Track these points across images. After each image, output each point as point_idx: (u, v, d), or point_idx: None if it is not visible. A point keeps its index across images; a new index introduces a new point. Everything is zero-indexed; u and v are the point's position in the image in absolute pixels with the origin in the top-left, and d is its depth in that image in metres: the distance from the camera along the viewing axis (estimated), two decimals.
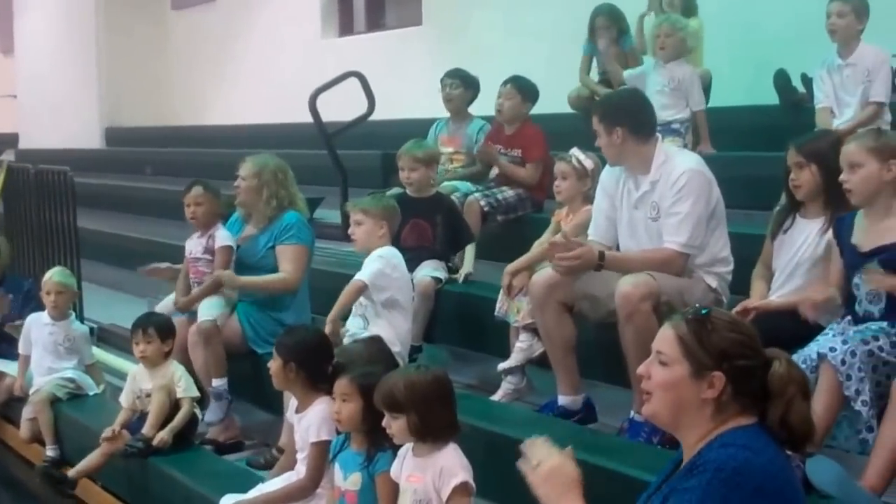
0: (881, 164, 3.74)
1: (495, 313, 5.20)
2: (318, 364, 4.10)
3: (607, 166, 4.83)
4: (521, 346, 5.02)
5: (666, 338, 2.60)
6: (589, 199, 5.08)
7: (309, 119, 8.15)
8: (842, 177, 3.82)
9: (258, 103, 12.41)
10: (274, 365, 4.19)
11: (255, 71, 12.82)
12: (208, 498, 4.46)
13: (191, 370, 5.32)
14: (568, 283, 4.55)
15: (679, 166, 4.48)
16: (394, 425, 3.41)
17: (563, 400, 4.65)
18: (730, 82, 7.15)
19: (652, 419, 2.69)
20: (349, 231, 5.12)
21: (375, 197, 5.26)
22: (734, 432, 2.52)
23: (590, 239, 4.72)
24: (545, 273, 4.66)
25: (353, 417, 3.73)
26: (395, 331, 4.95)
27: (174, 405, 5.12)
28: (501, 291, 5.18)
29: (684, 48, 6.54)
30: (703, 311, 2.61)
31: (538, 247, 5.25)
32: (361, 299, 4.95)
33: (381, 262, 4.94)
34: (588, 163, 5.17)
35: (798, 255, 4.19)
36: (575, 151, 5.23)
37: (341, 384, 3.75)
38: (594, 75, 7.76)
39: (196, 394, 5.17)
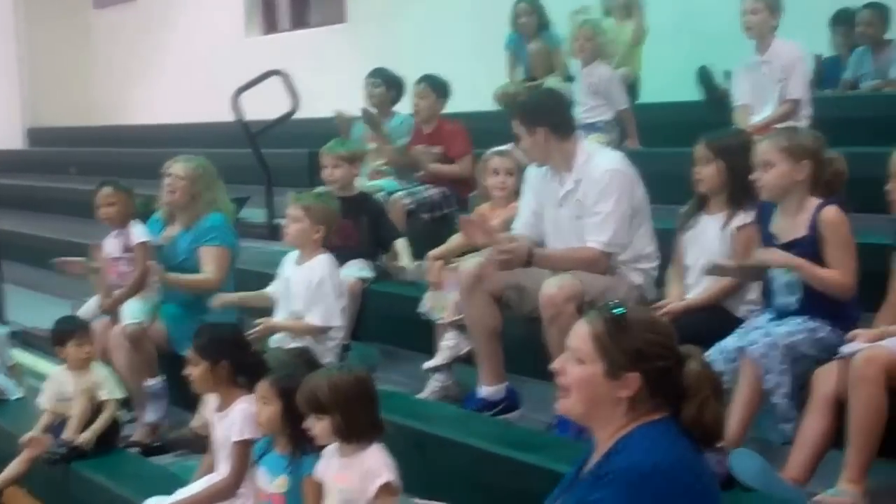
0: (793, 164, 3.79)
1: (420, 310, 5.20)
2: (243, 359, 4.07)
3: (532, 164, 4.86)
4: (448, 345, 5.02)
5: (581, 335, 2.59)
6: (515, 195, 5.11)
7: (230, 117, 8.09)
8: (754, 174, 3.87)
9: (183, 102, 12.29)
10: (198, 369, 4.11)
11: (179, 70, 12.69)
12: (132, 501, 4.39)
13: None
14: (496, 272, 4.57)
15: (601, 165, 4.53)
16: (317, 427, 3.38)
17: (484, 391, 4.66)
18: (663, 79, 7.24)
19: (567, 414, 2.68)
20: (284, 226, 5.05)
21: (320, 196, 5.21)
22: (644, 429, 2.52)
23: (514, 233, 4.74)
24: (473, 262, 4.69)
25: (272, 420, 3.69)
26: (333, 341, 4.95)
27: (97, 409, 5.03)
28: (428, 289, 5.18)
29: (603, 51, 6.61)
30: (619, 311, 2.59)
31: (459, 238, 5.26)
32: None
33: (331, 297, 4.90)
34: (524, 160, 5.17)
35: (705, 252, 4.25)
36: (514, 147, 5.24)
37: (262, 387, 3.72)
38: (520, 73, 7.82)
39: (120, 395, 5.09)
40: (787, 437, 3.63)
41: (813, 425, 3.50)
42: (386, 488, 3.34)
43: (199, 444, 4.61)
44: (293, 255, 5.07)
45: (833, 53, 7.17)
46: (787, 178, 3.80)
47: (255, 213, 7.99)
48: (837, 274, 3.70)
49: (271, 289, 5.12)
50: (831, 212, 3.76)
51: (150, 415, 5.38)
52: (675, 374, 2.54)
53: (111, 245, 5.59)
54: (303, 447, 3.62)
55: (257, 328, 4.85)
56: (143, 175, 7.41)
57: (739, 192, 4.16)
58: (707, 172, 4.22)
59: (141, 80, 13.31)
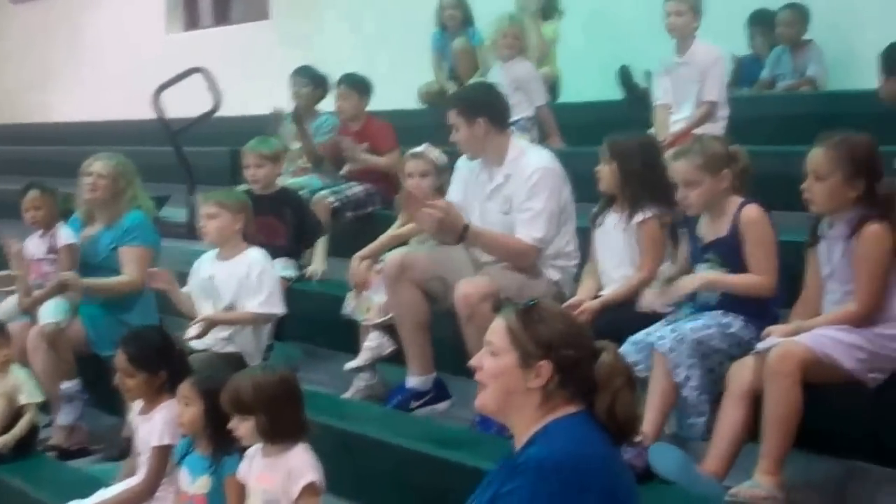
0: (714, 176, 3.86)
1: (343, 311, 5.19)
2: (175, 366, 4.04)
3: (463, 156, 4.87)
4: (371, 345, 5.02)
5: (496, 329, 2.64)
6: (442, 193, 5.12)
7: (151, 115, 7.99)
8: (680, 193, 3.94)
9: (101, 99, 12.09)
10: (135, 380, 4.05)
11: (97, 66, 12.48)
12: None
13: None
14: (421, 262, 4.62)
15: (532, 162, 4.58)
16: (241, 427, 3.36)
17: (412, 381, 4.67)
18: (583, 79, 7.30)
19: (483, 410, 2.71)
20: (201, 225, 5.00)
21: (229, 191, 5.19)
22: (559, 422, 2.54)
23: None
24: (400, 251, 4.74)
25: (194, 421, 3.67)
26: (258, 342, 4.92)
27: (16, 413, 4.94)
28: (351, 290, 5.17)
29: (526, 49, 6.63)
30: (531, 302, 2.66)
31: (385, 237, 5.28)
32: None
33: (274, 284, 4.88)
34: (443, 158, 5.21)
35: (613, 248, 4.36)
36: (428, 148, 5.26)
37: (184, 388, 3.70)
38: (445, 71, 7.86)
39: (40, 399, 5.00)
40: (699, 432, 3.69)
41: (729, 418, 3.56)
42: (310, 489, 3.32)
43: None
44: (210, 254, 5.02)
45: (751, 53, 7.27)
46: (712, 192, 3.88)
47: (175, 213, 7.89)
48: (757, 277, 3.77)
49: (186, 289, 5.06)
50: (752, 211, 3.83)
51: (65, 417, 5.30)
52: (587, 366, 2.56)
53: (35, 246, 5.52)
54: (225, 448, 3.60)
55: (196, 324, 4.75)
56: (61, 173, 7.27)
57: (636, 191, 4.29)
58: (604, 172, 4.35)
59: (59, 77, 13.06)
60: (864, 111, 5.42)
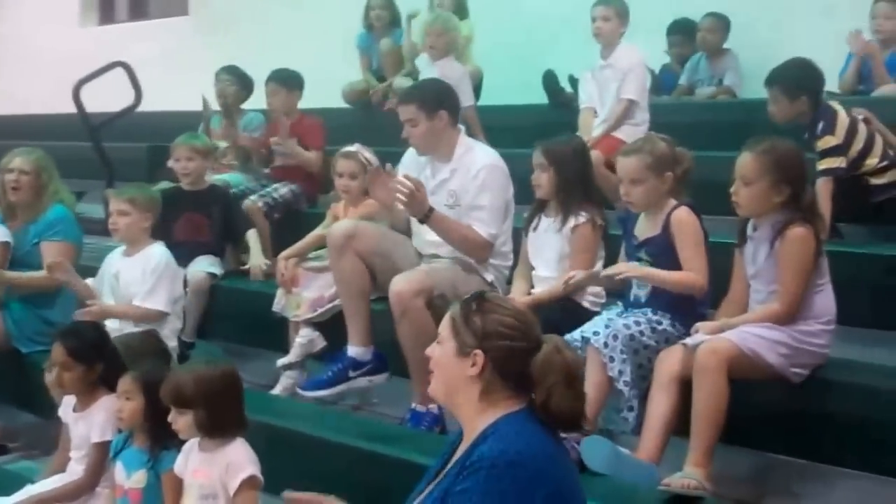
0: (658, 177, 3.97)
1: (273, 308, 5.19)
2: (111, 360, 4.00)
3: (410, 150, 4.90)
4: (301, 342, 5.03)
5: (444, 320, 2.72)
6: (364, 195, 5.14)
7: (66, 109, 7.86)
8: (623, 189, 4.03)
9: (14, 93, 11.83)
10: (71, 373, 3.99)
11: (8, 59, 12.21)
12: None
13: None
14: (368, 234, 4.64)
15: (479, 159, 4.63)
16: (180, 421, 3.34)
17: (353, 351, 4.66)
18: (503, 82, 7.38)
19: (433, 396, 2.80)
20: (110, 221, 4.98)
21: (140, 187, 5.18)
22: (505, 421, 2.59)
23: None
24: (344, 222, 4.76)
25: (134, 415, 3.64)
26: (169, 326, 4.93)
27: None
28: (280, 287, 5.17)
29: (454, 47, 6.66)
30: (479, 294, 2.73)
31: (311, 237, 5.29)
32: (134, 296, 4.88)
33: (167, 281, 4.90)
34: (374, 158, 5.21)
35: (547, 252, 4.45)
36: (360, 148, 5.26)
37: (124, 382, 3.66)
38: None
39: None
40: (631, 426, 3.79)
41: (658, 404, 3.65)
42: (249, 482, 3.31)
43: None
44: (118, 250, 5.05)
45: (667, 61, 7.44)
46: (654, 192, 3.98)
47: (91, 209, 7.76)
48: (689, 274, 3.88)
49: (90, 280, 5.05)
50: (682, 212, 3.94)
51: None
52: (523, 359, 2.60)
53: None
54: (163, 443, 3.59)
55: (89, 310, 4.75)
56: None
57: (572, 195, 4.39)
58: (543, 179, 4.42)
59: None
60: None
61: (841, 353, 3.86)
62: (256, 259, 5.85)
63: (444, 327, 2.70)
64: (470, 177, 4.59)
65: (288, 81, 6.56)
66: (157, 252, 4.91)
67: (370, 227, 4.77)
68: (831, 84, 6.35)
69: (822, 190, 4.72)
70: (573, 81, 6.79)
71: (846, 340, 3.99)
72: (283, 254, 5.27)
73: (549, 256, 4.45)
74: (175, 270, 5.03)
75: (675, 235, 3.91)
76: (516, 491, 2.47)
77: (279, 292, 5.19)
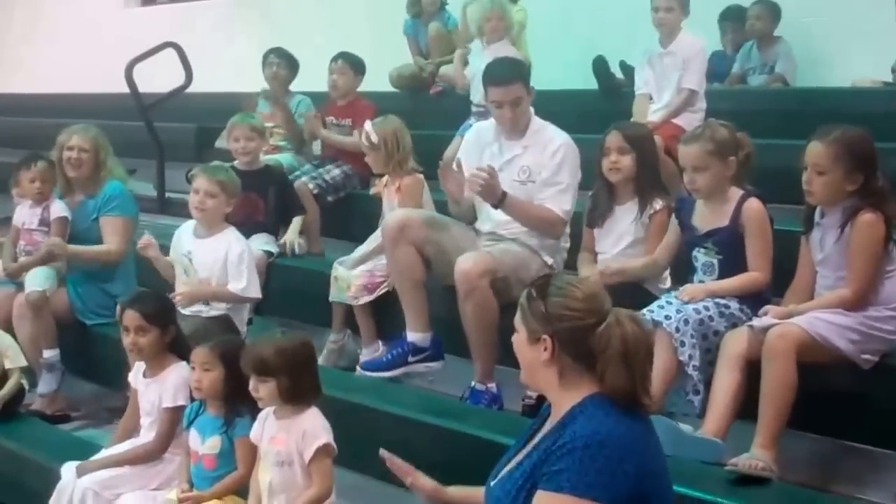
0: (722, 163, 3.98)
1: (331, 299, 5.24)
2: (178, 325, 4.09)
3: (476, 125, 4.98)
4: (332, 347, 5.20)
5: (518, 308, 2.76)
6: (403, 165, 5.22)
7: (112, 89, 7.92)
8: (687, 177, 4.05)
9: (59, 74, 11.92)
10: (148, 336, 4.06)
11: (55, 39, 12.32)
12: (45, 466, 4.32)
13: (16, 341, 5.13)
14: (419, 225, 4.67)
15: (556, 137, 4.67)
16: (262, 389, 3.41)
17: (412, 336, 4.69)
18: (551, 68, 7.40)
19: (524, 384, 2.85)
20: (197, 200, 4.85)
21: (223, 170, 5.08)
22: (591, 401, 2.61)
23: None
24: (396, 213, 4.80)
25: (214, 385, 3.71)
26: (245, 311, 5.00)
27: (2, 375, 4.93)
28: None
29: (510, 32, 6.67)
30: (541, 278, 2.78)
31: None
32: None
33: (254, 269, 4.93)
34: (374, 136, 5.23)
35: (621, 242, 4.48)
36: (367, 126, 5.30)
37: (201, 353, 3.73)
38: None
39: (24, 363, 4.99)
40: (697, 409, 3.82)
41: (724, 381, 3.68)
42: (324, 449, 3.40)
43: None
44: (187, 228, 5.00)
45: (719, 48, 7.44)
46: (719, 178, 3.99)
47: (142, 187, 7.85)
48: (752, 275, 3.91)
49: (169, 259, 5.04)
50: (754, 205, 3.97)
51: (46, 385, 5.31)
52: (590, 335, 2.60)
53: (27, 215, 5.52)
54: (238, 411, 3.68)
55: (180, 296, 4.76)
56: (29, 145, 7.21)
57: (649, 181, 4.43)
58: (625, 162, 4.43)
59: (16, 49, 12.87)
60: (833, 108, 5.64)
61: None
62: (292, 235, 5.94)
63: (517, 316, 2.74)
64: (548, 153, 4.63)
65: (355, 64, 6.66)
66: (237, 238, 4.90)
67: (420, 215, 4.81)
68: (882, 74, 6.40)
69: None
70: (625, 68, 6.80)
71: None
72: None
73: (623, 242, 4.46)
74: (252, 255, 5.04)
75: (746, 227, 3.93)
76: (609, 469, 2.51)
77: (333, 284, 5.21)
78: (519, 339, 2.74)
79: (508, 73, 4.75)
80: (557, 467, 2.55)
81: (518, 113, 4.67)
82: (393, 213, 4.89)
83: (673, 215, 4.29)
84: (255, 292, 4.90)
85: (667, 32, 5.89)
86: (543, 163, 4.63)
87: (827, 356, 3.63)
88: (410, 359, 4.69)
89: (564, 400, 2.66)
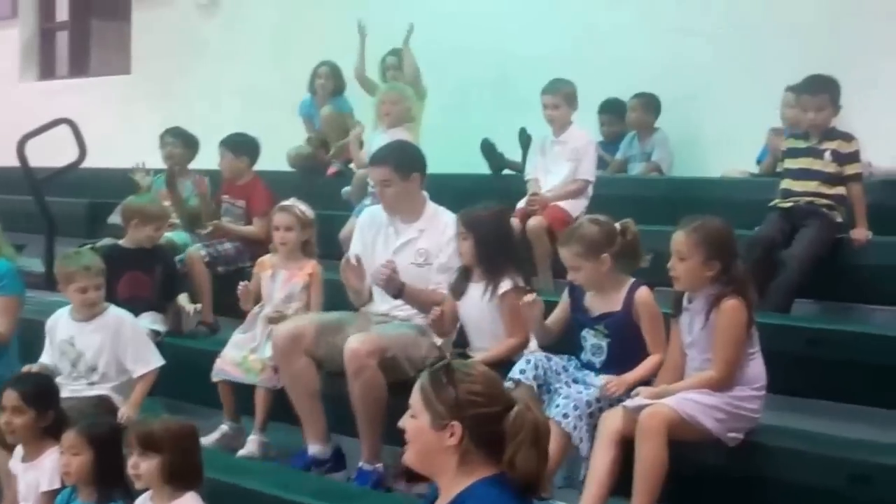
0: (593, 261, 4.13)
1: (213, 378, 5.22)
2: (59, 409, 4.05)
3: (367, 210, 5.09)
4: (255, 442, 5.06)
5: (414, 391, 2.75)
6: (311, 245, 5.30)
7: (4, 163, 7.88)
8: (569, 276, 4.23)
9: None
10: (23, 418, 4.04)
11: None
12: None
13: None
14: (312, 334, 4.72)
15: (447, 219, 4.81)
16: (143, 465, 3.39)
17: (312, 449, 4.72)
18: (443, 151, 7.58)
19: (410, 466, 2.81)
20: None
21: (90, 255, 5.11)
22: (481, 486, 2.63)
23: None
24: (289, 324, 4.81)
25: (83, 469, 3.68)
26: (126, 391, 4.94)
27: None
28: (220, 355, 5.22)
29: (408, 116, 6.80)
30: (443, 364, 2.76)
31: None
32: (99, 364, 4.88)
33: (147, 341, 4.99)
34: (309, 212, 5.32)
35: (476, 318, 4.63)
36: (295, 202, 5.36)
37: (69, 437, 3.70)
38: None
39: None
40: (583, 476, 3.93)
41: (601, 460, 3.82)
42: None
43: None
44: (63, 313, 4.96)
45: (601, 139, 7.70)
46: (595, 274, 4.15)
47: (30, 262, 7.75)
48: (655, 358, 4.10)
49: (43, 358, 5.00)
50: (646, 295, 4.17)
51: None
52: (498, 422, 2.62)
53: None
54: (109, 496, 3.65)
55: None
56: None
57: (491, 262, 4.55)
58: (465, 248, 4.61)
59: None
60: (703, 196, 6.02)
61: (768, 419, 4.04)
62: (184, 301, 5.99)
63: (416, 400, 2.71)
64: (445, 238, 4.76)
65: (236, 147, 6.69)
66: (123, 314, 4.96)
67: (313, 324, 4.81)
68: (749, 166, 6.71)
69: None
70: (524, 136, 6.96)
71: (771, 408, 4.13)
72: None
73: (479, 323, 4.62)
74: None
75: (641, 316, 4.13)
76: None
77: (218, 361, 5.20)
78: (417, 425, 2.69)
79: (379, 154, 4.92)
80: None
81: (388, 194, 4.80)
82: (283, 324, 4.85)
83: (566, 292, 4.40)
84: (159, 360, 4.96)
85: (558, 126, 6.14)
86: (441, 247, 4.77)
87: (696, 434, 3.79)
88: (313, 470, 4.69)
89: (455, 485, 2.67)
